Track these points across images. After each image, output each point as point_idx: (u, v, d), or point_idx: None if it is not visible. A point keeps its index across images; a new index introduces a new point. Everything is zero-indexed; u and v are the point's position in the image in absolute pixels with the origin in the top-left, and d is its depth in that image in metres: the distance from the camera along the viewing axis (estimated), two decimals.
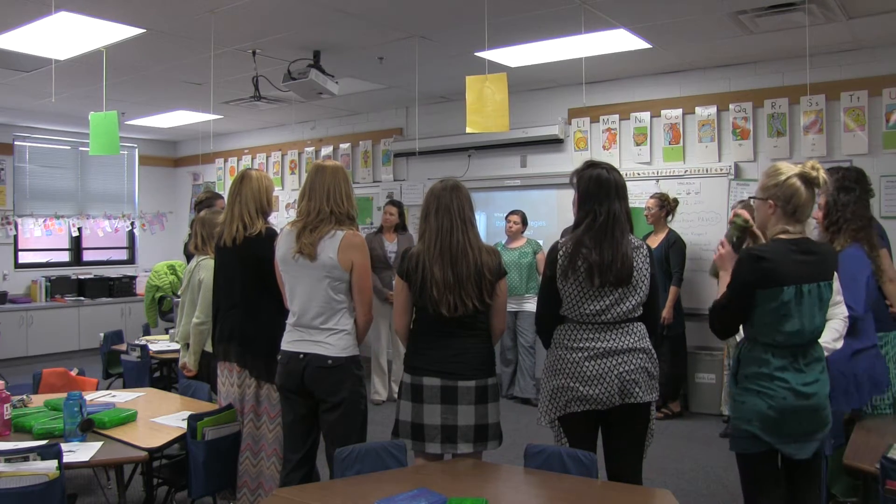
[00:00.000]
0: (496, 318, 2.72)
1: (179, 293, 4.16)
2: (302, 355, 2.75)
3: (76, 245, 8.98)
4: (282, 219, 8.16)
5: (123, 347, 5.01)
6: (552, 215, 6.42)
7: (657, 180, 5.86)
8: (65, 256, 8.94)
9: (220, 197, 5.06)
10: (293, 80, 5.02)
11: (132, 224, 9.40)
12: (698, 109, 5.72)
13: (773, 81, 5.41)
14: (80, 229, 8.92)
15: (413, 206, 6.87)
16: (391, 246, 5.90)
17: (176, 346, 4.32)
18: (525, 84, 6.22)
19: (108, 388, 4.00)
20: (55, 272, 8.53)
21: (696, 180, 5.70)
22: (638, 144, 6.02)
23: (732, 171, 5.54)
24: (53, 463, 2.31)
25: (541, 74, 5.89)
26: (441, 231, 2.64)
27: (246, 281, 3.12)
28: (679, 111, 5.81)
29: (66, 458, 2.40)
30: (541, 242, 5.97)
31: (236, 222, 3.11)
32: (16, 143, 8.37)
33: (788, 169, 2.35)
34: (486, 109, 3.79)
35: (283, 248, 2.82)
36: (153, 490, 3.16)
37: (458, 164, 6.99)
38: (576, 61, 5.23)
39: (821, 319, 2.35)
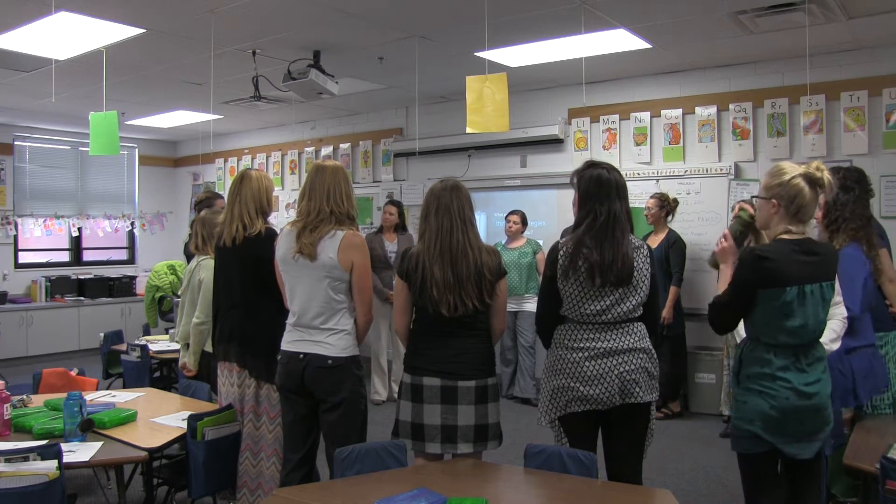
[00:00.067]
0: (496, 318, 2.72)
1: (179, 293, 4.15)
2: (302, 355, 2.75)
3: (76, 245, 8.98)
4: (282, 219, 8.15)
5: (123, 347, 5.01)
6: (552, 215, 6.41)
7: (657, 180, 5.85)
8: (65, 256, 8.94)
9: (220, 197, 5.05)
10: (293, 80, 5.02)
11: (132, 224, 9.40)
12: (698, 109, 5.72)
13: (773, 81, 5.41)
14: (80, 229, 8.91)
15: (413, 206, 6.86)
16: (391, 246, 5.90)
17: (176, 346, 4.32)
18: (525, 84, 6.22)
19: (108, 388, 4.00)
20: (55, 272, 8.53)
21: (696, 180, 5.69)
22: (638, 144, 6.01)
23: (732, 171, 5.53)
24: (53, 463, 2.31)
25: (541, 74, 5.89)
26: (441, 231, 2.63)
27: (246, 281, 3.12)
28: (679, 111, 5.81)
29: (66, 458, 2.40)
30: (541, 242, 5.97)
31: (236, 222, 3.11)
32: (16, 143, 8.37)
33: (792, 169, 2.35)
34: (486, 109, 3.78)
35: (283, 248, 2.82)
36: (153, 490, 3.16)
37: (458, 164, 6.99)
38: (576, 61, 5.22)
39: (823, 319, 2.35)
